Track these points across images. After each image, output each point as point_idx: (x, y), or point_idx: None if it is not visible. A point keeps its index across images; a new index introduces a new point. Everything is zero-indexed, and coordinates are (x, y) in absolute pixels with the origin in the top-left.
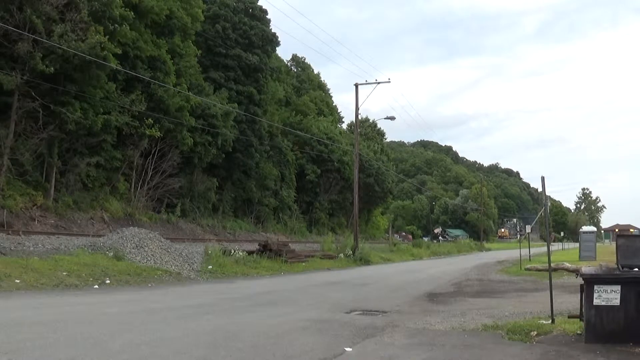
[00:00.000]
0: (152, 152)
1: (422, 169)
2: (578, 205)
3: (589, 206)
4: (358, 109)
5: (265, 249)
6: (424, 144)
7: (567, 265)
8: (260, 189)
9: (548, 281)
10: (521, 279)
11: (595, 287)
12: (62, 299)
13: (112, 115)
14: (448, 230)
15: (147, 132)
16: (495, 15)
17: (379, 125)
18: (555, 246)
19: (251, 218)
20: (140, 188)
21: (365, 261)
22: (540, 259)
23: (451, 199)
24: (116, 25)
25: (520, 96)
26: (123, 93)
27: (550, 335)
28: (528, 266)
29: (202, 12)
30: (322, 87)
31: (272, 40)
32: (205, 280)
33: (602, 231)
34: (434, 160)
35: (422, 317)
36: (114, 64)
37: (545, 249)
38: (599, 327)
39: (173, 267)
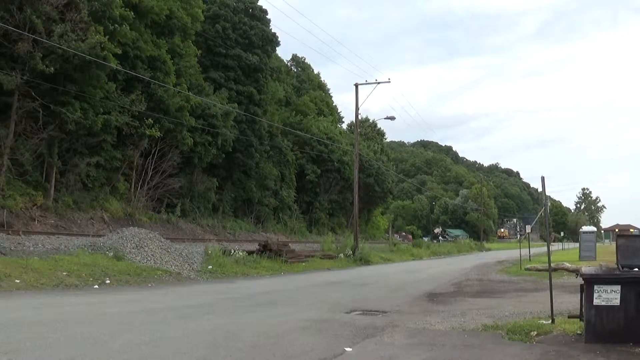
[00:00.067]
0: (152, 152)
1: (422, 169)
2: (578, 205)
3: (589, 206)
4: (358, 109)
5: (265, 249)
6: (424, 144)
7: (567, 265)
8: (260, 189)
9: (548, 281)
10: (521, 279)
11: (595, 287)
12: (62, 299)
13: (112, 115)
14: (448, 230)
15: (147, 132)
16: (495, 15)
17: (379, 125)
18: (555, 246)
19: (251, 218)
20: (140, 188)
21: (365, 261)
22: (540, 259)
23: (451, 199)
24: (116, 25)
25: (520, 96)
26: (123, 93)
27: (550, 335)
28: (528, 266)
29: (202, 12)
30: (322, 87)
31: (272, 40)
32: (205, 280)
33: (602, 231)
34: (434, 160)
35: (422, 317)
36: (114, 64)
37: (545, 249)
38: (599, 327)
39: (173, 267)
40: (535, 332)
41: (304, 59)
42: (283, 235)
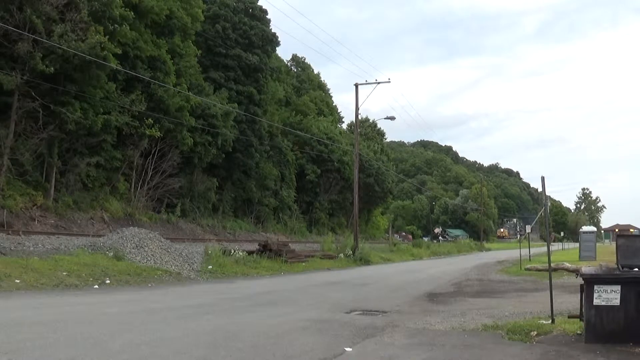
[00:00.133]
0: (152, 152)
1: (422, 169)
2: (578, 205)
3: (589, 206)
4: (358, 109)
5: (265, 249)
6: (424, 144)
7: (567, 265)
8: (260, 189)
9: (548, 281)
10: (521, 279)
11: (595, 287)
12: (62, 299)
13: (112, 115)
14: (448, 230)
15: (147, 132)
16: (495, 15)
17: (379, 125)
18: (555, 246)
19: (251, 218)
20: (140, 188)
21: (365, 261)
22: (540, 259)
23: (451, 199)
24: (116, 25)
25: (520, 96)
26: (123, 93)
27: (550, 335)
28: (528, 266)
29: (202, 12)
30: (322, 87)
31: (272, 40)
32: (205, 280)
33: (602, 231)
34: (434, 160)
35: (422, 317)
36: (114, 64)
37: (545, 249)
38: (599, 327)
39: (173, 267)
40: (535, 332)
41: (304, 59)
42: (283, 235)
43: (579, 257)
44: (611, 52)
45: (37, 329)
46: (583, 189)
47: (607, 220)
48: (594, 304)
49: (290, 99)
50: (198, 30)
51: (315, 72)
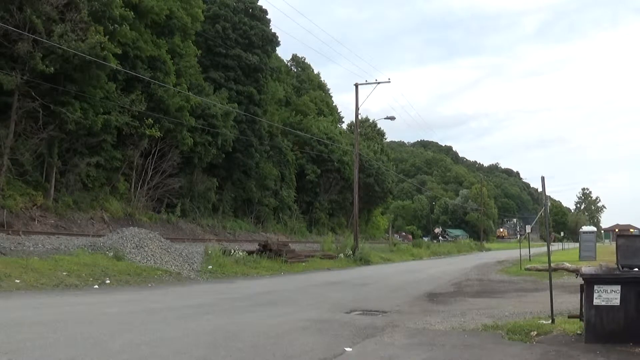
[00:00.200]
0: (152, 152)
1: (422, 169)
2: (578, 205)
3: (589, 206)
4: (358, 109)
5: (265, 249)
6: (424, 144)
7: (567, 265)
8: (260, 189)
9: (548, 281)
10: (521, 279)
11: (595, 287)
12: (62, 299)
13: (112, 115)
14: (448, 230)
15: (147, 132)
16: (495, 15)
17: (379, 125)
18: (555, 246)
19: (251, 218)
20: (140, 188)
21: (365, 261)
22: (540, 259)
23: (451, 199)
24: (116, 25)
25: (520, 96)
26: (123, 93)
27: (550, 335)
28: (528, 266)
29: (202, 12)
30: (322, 87)
31: (272, 40)
32: (205, 280)
33: (602, 231)
34: (434, 160)
35: (422, 317)
36: (114, 64)
37: (545, 249)
38: (599, 327)
39: (173, 267)
40: (535, 332)
41: (304, 59)
42: (283, 235)
43: (579, 257)
44: (611, 52)
45: (37, 329)
46: (583, 189)
47: (607, 220)
48: (594, 304)
49: (290, 99)
50: (198, 30)
51: (315, 72)
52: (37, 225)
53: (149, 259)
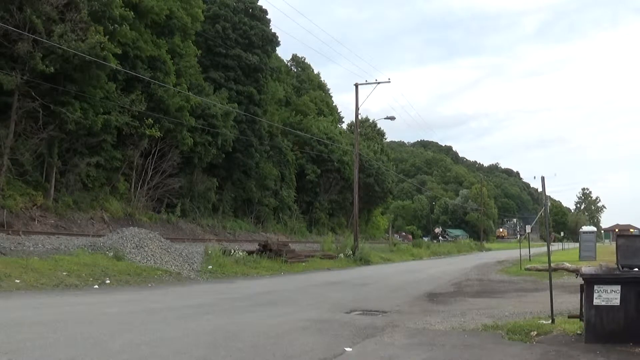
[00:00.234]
0: (152, 152)
1: (422, 169)
2: (578, 205)
3: (589, 206)
4: (358, 109)
5: (265, 249)
6: (424, 144)
7: (567, 265)
8: (260, 189)
9: (548, 281)
10: (521, 279)
11: (595, 287)
12: (62, 299)
13: (112, 115)
14: (448, 230)
15: (147, 132)
16: (495, 15)
17: (379, 125)
18: (555, 246)
19: (251, 218)
20: (140, 188)
21: (365, 261)
22: (540, 259)
23: (451, 199)
24: (116, 25)
25: (520, 96)
26: (123, 93)
27: (550, 335)
28: (528, 266)
29: (202, 12)
30: (322, 87)
31: (272, 40)
32: (205, 280)
33: (602, 231)
34: (434, 160)
35: (422, 317)
36: (114, 64)
37: (545, 249)
38: (599, 327)
39: (173, 267)
40: (535, 332)
41: (304, 59)
42: (283, 235)
43: (579, 257)
44: (611, 52)
45: (37, 329)
46: (583, 189)
47: (607, 220)
48: (594, 304)
49: (290, 99)
50: (198, 30)
51: (315, 72)
52: (37, 225)
53: (149, 259)
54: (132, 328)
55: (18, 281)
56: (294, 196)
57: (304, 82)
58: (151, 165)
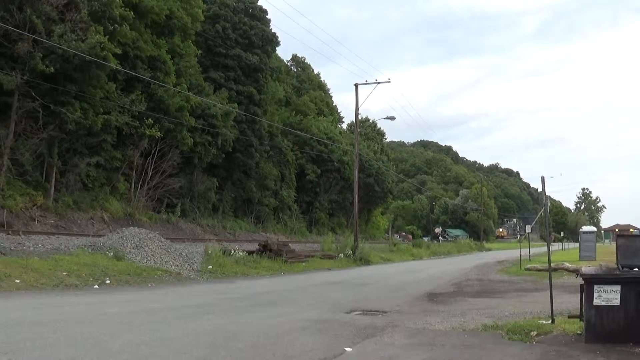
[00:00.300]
0: (152, 152)
1: (422, 169)
2: (578, 205)
3: (589, 206)
4: (358, 109)
5: (265, 249)
6: (424, 144)
7: (567, 265)
8: (260, 189)
9: (548, 281)
10: (521, 279)
11: (595, 287)
12: (62, 299)
13: (112, 115)
14: (448, 230)
15: (147, 132)
16: (495, 15)
17: (379, 125)
18: (555, 246)
19: (251, 218)
20: (140, 188)
21: (365, 261)
22: (540, 259)
23: (451, 199)
24: (116, 25)
25: (520, 96)
26: (123, 93)
27: (550, 335)
28: (528, 266)
29: (202, 12)
30: (322, 87)
31: (272, 40)
32: (205, 280)
33: (602, 231)
34: (434, 160)
35: (422, 317)
36: (114, 64)
37: (545, 249)
38: (599, 327)
39: (173, 267)
40: (535, 332)
41: (304, 59)
42: (283, 235)
43: (579, 257)
44: (611, 52)
45: (37, 329)
46: (583, 189)
47: (607, 220)
48: (594, 304)
49: (290, 99)
50: (198, 30)
51: (315, 72)
52: (37, 225)
53: (149, 259)
54: (132, 328)
55: (18, 281)
56: (294, 196)
57: (304, 82)
58: (151, 165)
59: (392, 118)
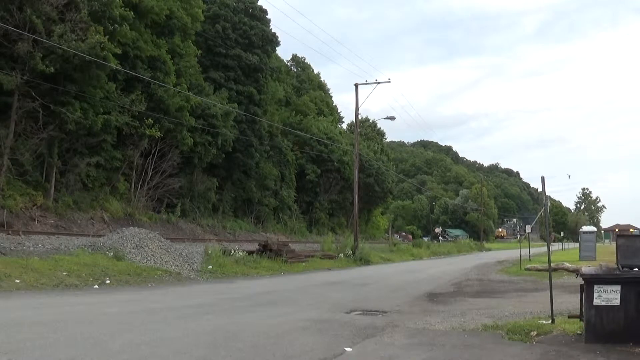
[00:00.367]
0: (152, 152)
1: (422, 169)
2: (578, 205)
3: (589, 206)
4: (358, 109)
5: (265, 249)
6: (424, 144)
7: (567, 265)
8: (260, 189)
9: (548, 281)
10: (521, 279)
11: (595, 287)
12: (62, 299)
13: (112, 115)
14: (448, 230)
15: (147, 132)
16: (495, 15)
17: (379, 125)
18: (555, 246)
19: (251, 218)
20: (140, 188)
21: (365, 261)
22: (540, 259)
23: (451, 199)
24: (116, 25)
25: (520, 96)
26: (123, 93)
27: (550, 335)
28: (528, 266)
29: (202, 12)
30: (322, 87)
31: (272, 40)
32: (205, 280)
33: (602, 231)
34: (434, 160)
35: (422, 317)
36: (114, 64)
37: (545, 249)
38: (599, 327)
39: (173, 267)
40: (535, 332)
41: (304, 59)
42: (283, 235)
43: (579, 257)
44: (611, 52)
45: (37, 329)
46: (583, 189)
47: (607, 220)
48: (594, 304)
49: (290, 99)
50: (198, 30)
51: (315, 72)
52: (37, 225)
53: (149, 259)
54: (132, 328)
55: (18, 281)
56: (294, 196)
57: (304, 82)
58: (151, 165)
59: (392, 118)
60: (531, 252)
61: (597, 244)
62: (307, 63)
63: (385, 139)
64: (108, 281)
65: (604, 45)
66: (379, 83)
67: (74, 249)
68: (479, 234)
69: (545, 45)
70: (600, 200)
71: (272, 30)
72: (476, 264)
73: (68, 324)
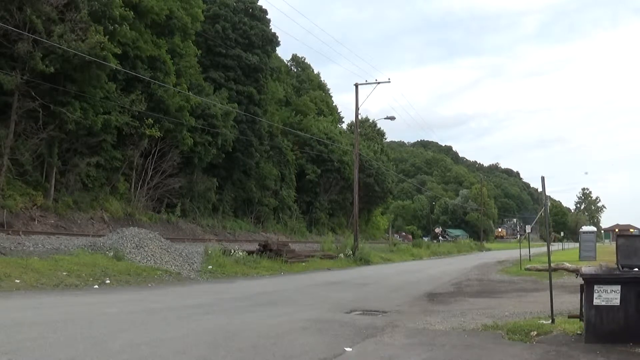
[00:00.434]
0: (152, 152)
1: (422, 169)
2: (578, 205)
3: (589, 206)
4: (358, 109)
5: (265, 249)
6: (424, 144)
7: (567, 265)
8: (260, 189)
9: (548, 281)
10: (521, 279)
11: (595, 287)
12: (62, 299)
13: (112, 115)
14: (448, 230)
15: (147, 132)
16: (495, 15)
17: (379, 125)
18: (555, 246)
19: (251, 218)
20: (140, 188)
21: (365, 261)
22: (540, 259)
23: (451, 199)
24: (116, 25)
25: (520, 96)
26: (123, 93)
27: (550, 335)
28: (528, 266)
29: (202, 12)
30: (322, 87)
31: (272, 40)
32: (205, 280)
33: (602, 231)
34: (434, 160)
35: (422, 317)
36: (114, 64)
37: (545, 249)
38: (599, 327)
39: (173, 267)
40: (535, 332)
41: (304, 59)
42: (283, 235)
43: (579, 257)
44: (611, 52)
45: (37, 329)
46: (583, 189)
47: (607, 220)
48: (594, 304)
49: (290, 99)
50: (198, 30)
51: (315, 72)
52: (37, 225)
53: (149, 259)
54: (132, 328)
55: (18, 281)
56: (294, 196)
57: (304, 82)
58: (151, 165)
59: (392, 118)
60: (531, 252)
61: (597, 244)
62: (307, 63)
63: (385, 139)
64: (108, 281)
65: (604, 45)
66: (379, 83)
67: (74, 249)
68: (479, 234)
69: (545, 45)
70: (600, 200)
71: (272, 30)
72: (476, 264)
73: (68, 324)
